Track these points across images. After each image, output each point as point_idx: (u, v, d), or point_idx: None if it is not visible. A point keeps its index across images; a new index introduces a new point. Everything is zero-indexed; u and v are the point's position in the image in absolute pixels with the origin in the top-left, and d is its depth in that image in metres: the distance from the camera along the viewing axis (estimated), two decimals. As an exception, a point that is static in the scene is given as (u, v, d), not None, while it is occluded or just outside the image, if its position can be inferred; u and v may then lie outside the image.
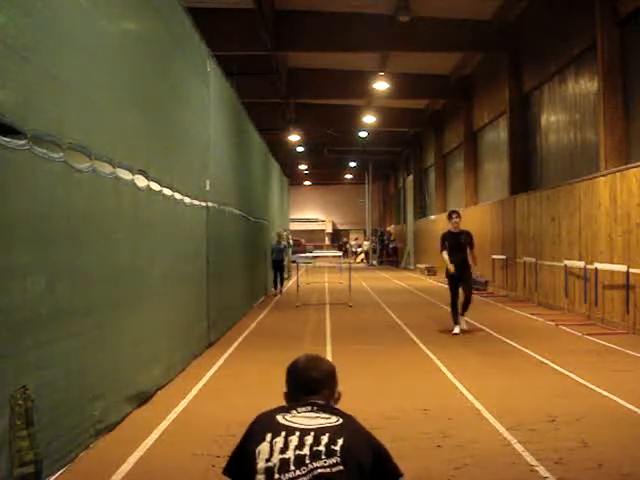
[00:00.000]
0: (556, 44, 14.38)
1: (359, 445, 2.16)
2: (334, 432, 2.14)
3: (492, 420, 5.31)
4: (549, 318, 11.90)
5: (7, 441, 3.54)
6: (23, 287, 3.77)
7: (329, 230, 57.45)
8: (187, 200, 7.88)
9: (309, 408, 2.28)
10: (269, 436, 2.16)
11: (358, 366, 7.72)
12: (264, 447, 2.13)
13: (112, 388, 5.15)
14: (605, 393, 6.16)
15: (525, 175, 16.81)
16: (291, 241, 31.39)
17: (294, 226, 45.52)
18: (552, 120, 15.25)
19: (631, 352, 8.39)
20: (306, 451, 2.08)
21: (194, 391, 6.47)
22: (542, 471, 4.15)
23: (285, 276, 21.19)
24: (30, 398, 3.72)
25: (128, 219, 5.65)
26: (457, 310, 10.26)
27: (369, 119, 26.39)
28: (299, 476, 2.04)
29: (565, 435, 4.91)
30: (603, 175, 11.41)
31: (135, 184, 5.74)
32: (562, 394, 6.20)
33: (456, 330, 10.13)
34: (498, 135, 19.57)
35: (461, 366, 7.60)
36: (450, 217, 10.45)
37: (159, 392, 6.34)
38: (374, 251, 41.49)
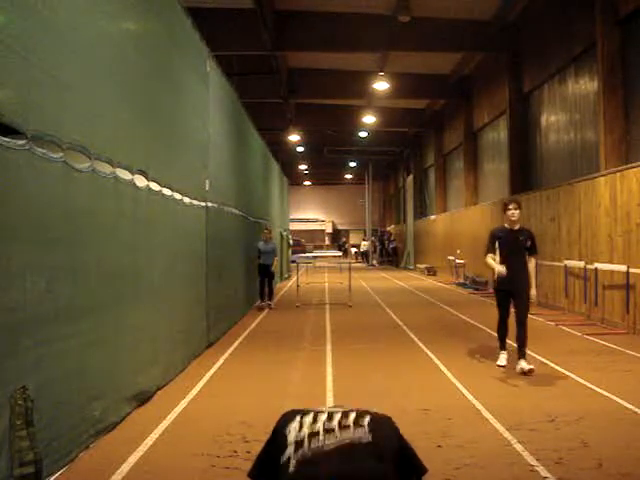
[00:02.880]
0: (556, 44, 14.38)
1: (385, 427, 2.23)
2: (361, 412, 2.24)
3: (492, 420, 5.31)
4: (549, 318, 11.90)
5: (7, 441, 3.54)
6: (23, 287, 3.77)
7: (329, 230, 57.46)
8: (187, 200, 7.88)
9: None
10: (298, 417, 2.24)
11: (358, 366, 7.71)
12: (294, 425, 2.21)
13: (112, 388, 5.15)
14: (605, 393, 6.16)
15: (525, 175, 16.81)
16: (291, 241, 31.34)
17: (294, 226, 45.52)
18: (552, 120, 15.25)
19: (631, 352, 8.39)
20: (335, 425, 2.15)
21: (194, 391, 6.47)
22: (542, 471, 4.15)
23: (275, 284, 17.26)
24: (30, 398, 3.72)
25: (127, 219, 5.65)
26: (505, 333, 7.67)
27: (369, 119, 26.39)
28: (328, 444, 2.10)
29: (565, 435, 4.91)
30: (603, 175, 11.42)
31: (135, 184, 5.74)
32: (562, 394, 6.20)
33: (502, 361, 7.58)
34: (498, 135, 19.57)
35: (461, 366, 7.59)
36: (506, 208, 7.54)
37: (159, 392, 6.34)
38: (374, 251, 41.49)
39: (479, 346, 9.03)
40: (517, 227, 7.54)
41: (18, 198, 3.74)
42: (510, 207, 7.47)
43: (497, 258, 7.47)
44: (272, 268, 14.56)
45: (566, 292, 12.82)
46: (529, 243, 7.49)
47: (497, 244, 7.48)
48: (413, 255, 34.17)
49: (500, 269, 7.17)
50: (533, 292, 7.42)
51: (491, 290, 18.28)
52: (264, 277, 14.49)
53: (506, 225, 7.61)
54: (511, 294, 7.43)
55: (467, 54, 19.70)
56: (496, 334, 7.86)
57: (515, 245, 7.45)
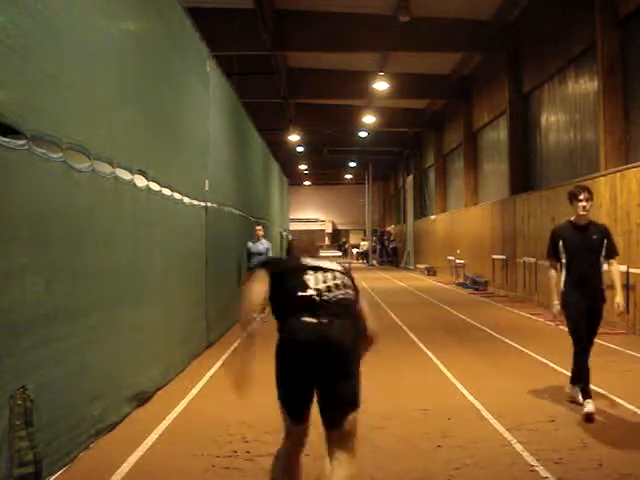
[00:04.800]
0: (556, 44, 14.37)
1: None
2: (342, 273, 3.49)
3: (492, 420, 5.31)
4: (549, 318, 11.88)
5: (7, 441, 3.54)
6: (22, 287, 3.77)
7: (329, 230, 57.43)
8: (186, 200, 7.88)
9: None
10: (309, 272, 3.26)
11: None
12: (309, 278, 3.23)
13: (112, 388, 5.15)
14: (605, 393, 6.16)
15: (525, 175, 16.81)
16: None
17: (294, 226, 45.48)
18: (552, 120, 15.24)
19: (631, 352, 8.39)
20: (331, 283, 3.25)
21: (194, 391, 6.47)
22: (542, 471, 4.15)
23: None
24: (30, 398, 3.72)
25: (127, 219, 5.65)
26: (588, 371, 5.56)
27: (369, 119, 26.38)
28: (334, 297, 3.21)
29: (565, 435, 4.91)
30: (603, 175, 11.41)
31: (134, 184, 5.74)
32: (562, 394, 6.19)
33: (589, 407, 5.29)
34: (498, 135, 19.57)
35: (461, 366, 7.59)
36: (575, 197, 5.71)
37: (159, 392, 6.33)
38: (374, 251, 41.46)
39: (479, 346, 9.03)
40: (586, 222, 5.77)
41: (18, 198, 3.74)
42: (580, 197, 5.64)
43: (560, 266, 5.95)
44: None
45: (566, 292, 12.79)
46: (605, 242, 5.73)
47: (562, 246, 5.88)
48: (413, 255, 34.17)
49: (555, 308, 5.75)
50: (619, 300, 5.70)
51: (490, 290, 18.29)
52: None
53: (572, 220, 5.85)
54: (587, 311, 5.63)
55: (467, 54, 19.69)
56: (573, 367, 5.79)
57: (587, 247, 5.71)
